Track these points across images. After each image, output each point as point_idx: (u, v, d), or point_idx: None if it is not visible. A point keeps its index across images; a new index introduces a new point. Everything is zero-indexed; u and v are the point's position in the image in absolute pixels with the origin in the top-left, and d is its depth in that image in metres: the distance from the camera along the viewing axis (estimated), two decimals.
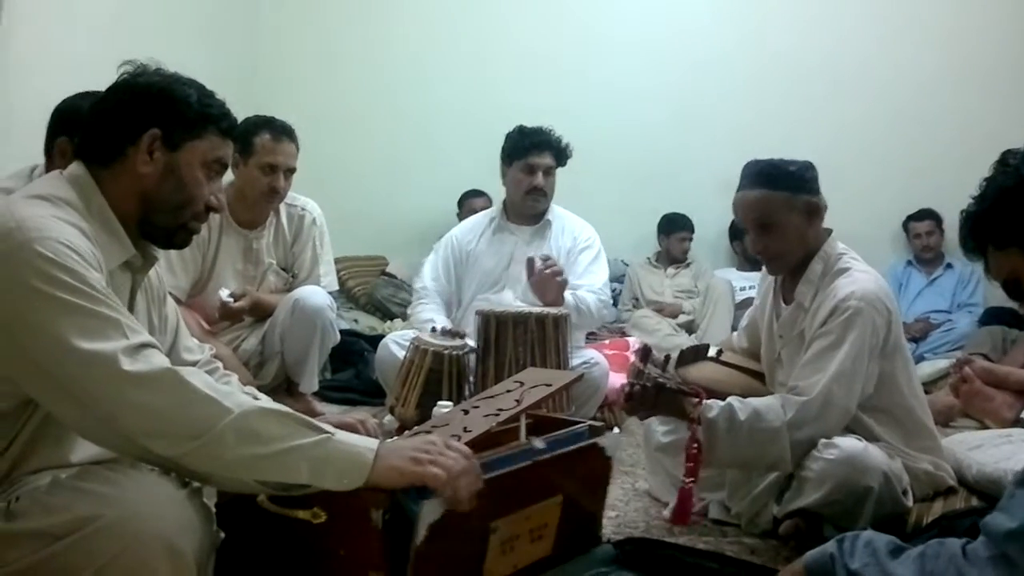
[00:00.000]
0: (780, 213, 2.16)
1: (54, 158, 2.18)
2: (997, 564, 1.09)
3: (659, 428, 2.40)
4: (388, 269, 5.38)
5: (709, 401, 2.05)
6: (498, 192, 3.62)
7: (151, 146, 1.42)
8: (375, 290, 5.16)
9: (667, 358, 2.25)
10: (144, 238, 1.47)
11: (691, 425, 2.04)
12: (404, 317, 4.81)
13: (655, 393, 2.06)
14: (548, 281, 3.03)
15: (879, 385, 2.13)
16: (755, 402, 2.07)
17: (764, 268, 2.40)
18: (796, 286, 2.22)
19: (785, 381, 2.17)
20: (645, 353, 2.15)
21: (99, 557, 1.17)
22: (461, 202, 5.35)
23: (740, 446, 2.03)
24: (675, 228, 5.35)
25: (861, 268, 2.18)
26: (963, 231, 1.28)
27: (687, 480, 2.04)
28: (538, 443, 1.65)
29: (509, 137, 3.39)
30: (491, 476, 1.41)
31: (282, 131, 3.04)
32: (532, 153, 3.30)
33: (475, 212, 4.97)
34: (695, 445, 2.03)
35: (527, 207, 3.35)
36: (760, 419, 2.02)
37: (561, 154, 3.35)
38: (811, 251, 2.20)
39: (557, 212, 3.43)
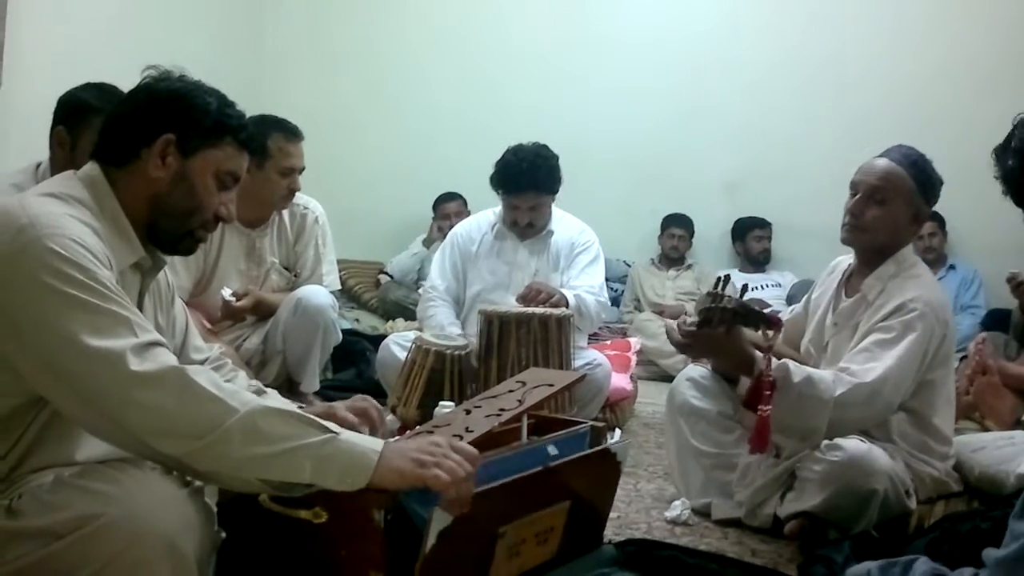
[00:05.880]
0: (899, 196, 2.16)
1: (53, 148, 2.18)
2: None
3: (688, 392, 2.37)
4: (388, 270, 5.38)
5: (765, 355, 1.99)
6: (478, 193, 3.54)
7: (164, 150, 1.41)
8: (386, 293, 5.15)
9: (745, 287, 2.20)
10: (150, 242, 1.46)
11: (766, 354, 1.98)
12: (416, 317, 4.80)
13: (732, 316, 1.99)
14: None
15: (918, 390, 2.13)
16: (810, 369, 2.04)
17: (833, 266, 2.39)
18: (864, 280, 2.22)
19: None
20: (726, 280, 2.05)
21: (100, 556, 1.17)
22: (435, 206, 5.36)
23: (785, 408, 1.98)
24: (668, 224, 5.37)
25: (931, 279, 2.20)
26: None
27: (763, 408, 1.97)
28: (551, 449, 1.64)
29: (496, 167, 3.29)
30: (502, 483, 1.40)
31: (293, 132, 3.07)
32: (512, 195, 3.26)
33: (448, 216, 4.99)
34: (770, 375, 1.97)
35: (517, 232, 3.36)
36: (812, 386, 1.99)
37: (550, 186, 3.26)
38: (890, 250, 2.20)
39: (556, 217, 3.41)
